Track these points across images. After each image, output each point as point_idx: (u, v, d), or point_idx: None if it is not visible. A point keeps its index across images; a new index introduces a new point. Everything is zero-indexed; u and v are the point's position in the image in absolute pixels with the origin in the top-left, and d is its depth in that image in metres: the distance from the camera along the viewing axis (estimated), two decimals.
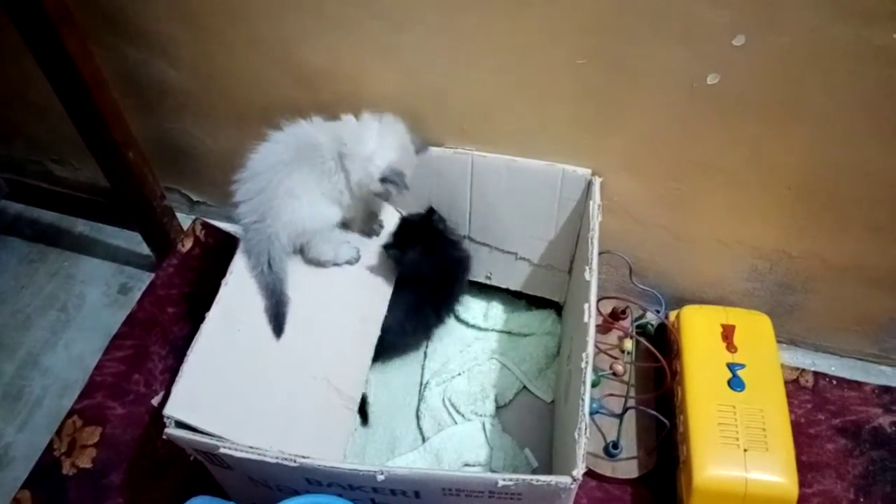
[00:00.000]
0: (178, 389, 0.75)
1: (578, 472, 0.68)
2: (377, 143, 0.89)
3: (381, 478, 0.69)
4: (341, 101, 0.98)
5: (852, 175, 0.84)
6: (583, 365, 0.76)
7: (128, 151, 1.02)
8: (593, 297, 0.81)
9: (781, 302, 1.03)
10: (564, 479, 0.68)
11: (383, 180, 0.89)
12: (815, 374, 1.05)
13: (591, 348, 0.77)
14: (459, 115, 0.95)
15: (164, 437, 0.73)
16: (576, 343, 0.86)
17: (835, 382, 1.05)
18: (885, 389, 1.03)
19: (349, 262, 0.96)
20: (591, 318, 0.79)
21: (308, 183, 0.88)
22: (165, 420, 0.73)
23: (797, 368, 1.06)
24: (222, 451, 0.71)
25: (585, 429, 0.71)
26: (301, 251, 0.92)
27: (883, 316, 1.00)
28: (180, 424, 0.74)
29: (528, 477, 0.68)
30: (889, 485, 0.95)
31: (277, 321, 0.85)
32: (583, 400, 0.73)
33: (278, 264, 0.87)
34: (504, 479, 0.68)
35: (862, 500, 0.93)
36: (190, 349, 0.78)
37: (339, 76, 0.96)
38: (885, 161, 0.81)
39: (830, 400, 1.03)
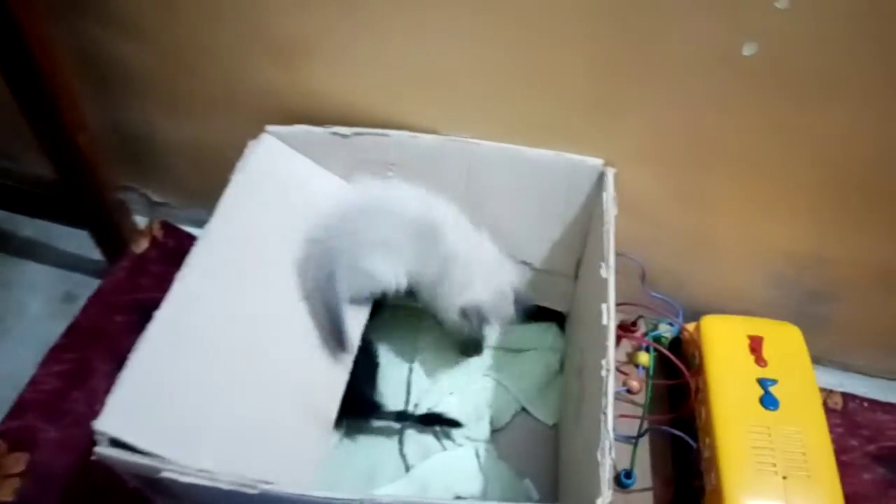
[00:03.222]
0: (114, 400, 0.62)
1: (604, 500, 0.56)
2: (482, 273, 0.84)
3: None
4: (324, 84, 0.88)
5: None
6: (603, 373, 0.64)
7: (78, 134, 0.90)
8: (612, 297, 0.70)
9: (808, 314, 0.93)
10: None
11: (463, 313, 0.84)
12: (844, 395, 0.95)
13: (611, 354, 0.65)
14: (454, 96, 0.85)
15: (93, 457, 0.59)
16: (589, 352, 0.74)
17: (866, 405, 0.95)
18: None
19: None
20: (610, 321, 0.68)
21: (398, 253, 0.83)
22: (97, 437, 0.60)
23: (824, 389, 0.95)
24: (165, 475, 0.57)
25: (610, 448, 0.59)
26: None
27: None
28: (116, 443, 0.60)
29: None
30: None
31: (338, 338, 0.79)
32: (605, 414, 0.62)
33: (337, 282, 0.80)
34: None
35: None
36: (132, 352, 0.64)
37: (321, 53, 0.85)
38: None
39: (863, 424, 0.92)
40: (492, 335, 0.88)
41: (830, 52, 0.68)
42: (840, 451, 0.89)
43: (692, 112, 0.77)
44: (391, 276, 0.83)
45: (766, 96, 0.73)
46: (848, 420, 0.93)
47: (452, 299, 0.85)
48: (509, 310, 0.86)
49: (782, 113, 0.74)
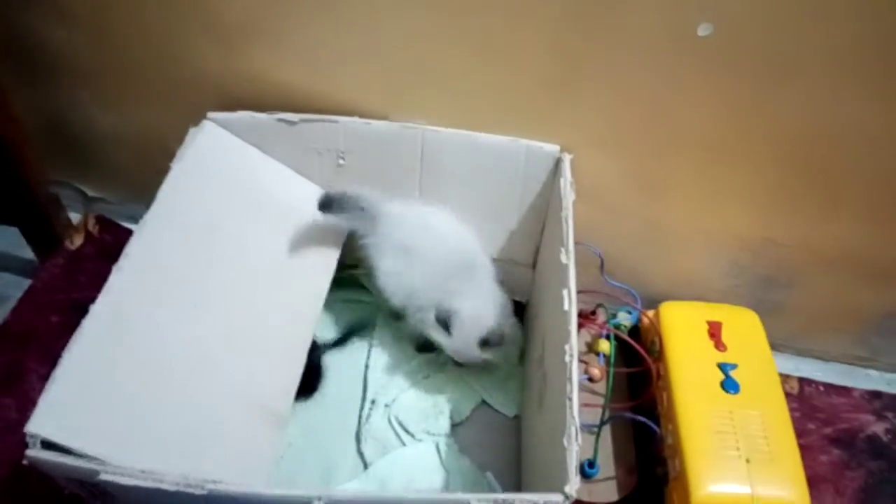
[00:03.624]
0: (47, 399, 0.57)
1: (572, 487, 0.54)
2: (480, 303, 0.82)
3: None
4: (269, 68, 0.84)
5: (853, 146, 0.74)
6: (567, 359, 0.62)
7: (4, 124, 0.84)
8: (573, 282, 0.68)
9: (764, 300, 0.93)
10: (555, 498, 0.54)
11: (437, 316, 0.81)
12: (800, 380, 0.96)
13: (574, 339, 0.64)
14: (407, 80, 0.82)
15: (24, 461, 0.55)
16: (551, 340, 0.73)
17: (821, 388, 0.95)
18: (875, 395, 0.94)
19: None
20: (572, 306, 0.66)
21: (427, 274, 0.83)
22: (28, 440, 0.55)
23: (781, 374, 0.94)
24: (104, 477, 0.53)
25: (576, 434, 0.57)
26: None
27: (874, 312, 0.92)
28: (49, 446, 0.56)
29: (510, 496, 0.54)
30: (891, 498, 0.85)
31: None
32: (570, 400, 0.60)
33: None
34: (479, 501, 0.53)
35: None
36: (66, 349, 0.60)
37: (266, 34, 0.81)
38: (891, 127, 0.72)
39: (819, 407, 0.93)
40: (447, 346, 0.83)
41: (785, 34, 0.67)
42: (797, 434, 0.88)
43: (648, 95, 0.76)
44: (396, 282, 0.84)
45: (722, 78, 0.72)
46: (804, 404, 0.93)
47: (433, 305, 0.82)
48: (475, 338, 0.81)
49: (737, 95, 0.73)
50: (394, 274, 0.84)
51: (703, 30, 0.69)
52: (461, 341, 0.81)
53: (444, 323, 0.81)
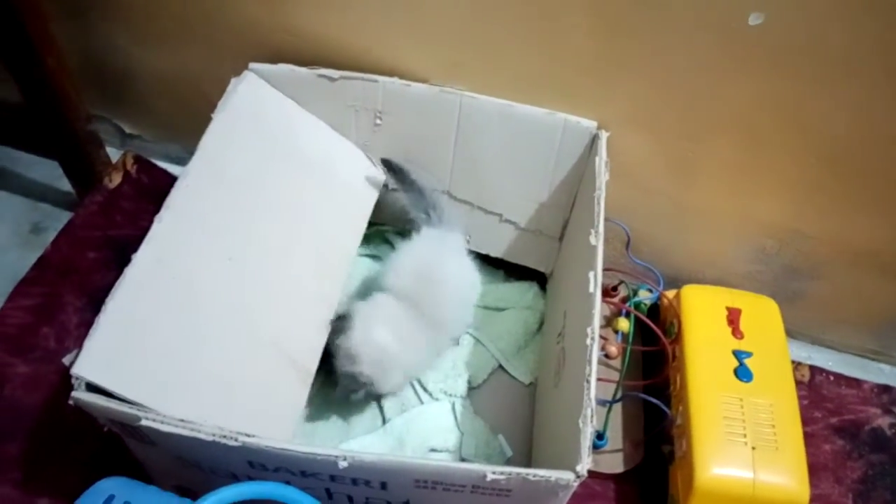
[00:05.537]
0: (91, 344, 0.60)
1: (583, 467, 0.57)
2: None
3: (343, 464, 0.56)
4: (312, 20, 0.84)
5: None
6: (588, 341, 0.64)
7: (46, 56, 0.85)
8: (599, 266, 0.69)
9: (785, 288, 0.94)
10: (566, 476, 0.57)
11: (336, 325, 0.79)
12: (812, 368, 0.97)
13: (597, 322, 0.65)
14: (449, 43, 0.82)
15: (71, 401, 0.58)
16: (573, 317, 0.74)
17: (832, 378, 0.96)
18: (884, 389, 0.96)
19: None
20: (597, 289, 0.67)
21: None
22: (74, 381, 0.59)
23: (793, 361, 0.96)
24: (145, 423, 0.56)
25: (592, 416, 0.60)
26: None
27: (893, 308, 0.92)
28: (92, 388, 0.59)
29: (523, 471, 0.56)
30: (889, 491, 0.87)
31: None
32: (588, 382, 0.62)
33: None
34: (494, 473, 0.56)
35: None
36: (110, 296, 0.62)
37: None
38: None
39: (828, 397, 0.95)
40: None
41: (836, 29, 0.67)
42: (804, 422, 0.91)
43: (690, 79, 0.75)
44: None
45: (768, 69, 0.71)
46: (814, 392, 0.95)
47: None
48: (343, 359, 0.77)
49: (782, 88, 0.73)
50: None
51: (754, 19, 0.68)
52: (343, 348, 0.77)
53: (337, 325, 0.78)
